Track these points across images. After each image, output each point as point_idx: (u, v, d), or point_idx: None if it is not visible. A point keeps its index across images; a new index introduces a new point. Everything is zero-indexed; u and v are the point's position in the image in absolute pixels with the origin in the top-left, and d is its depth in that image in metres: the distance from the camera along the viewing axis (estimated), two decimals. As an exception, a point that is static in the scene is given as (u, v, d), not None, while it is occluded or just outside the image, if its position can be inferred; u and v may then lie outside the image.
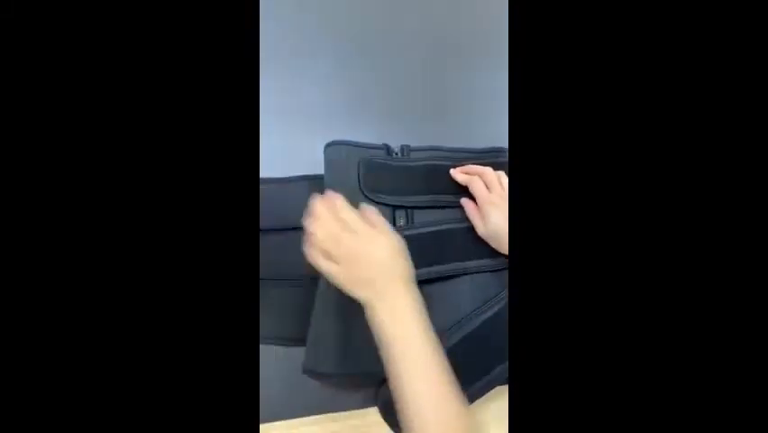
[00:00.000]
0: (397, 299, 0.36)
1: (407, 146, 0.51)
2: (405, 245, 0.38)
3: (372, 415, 0.41)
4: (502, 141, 0.52)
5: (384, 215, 0.40)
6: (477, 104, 0.58)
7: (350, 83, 0.57)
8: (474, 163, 0.49)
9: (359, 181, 0.47)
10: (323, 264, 0.37)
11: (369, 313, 0.36)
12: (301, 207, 0.44)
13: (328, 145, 0.50)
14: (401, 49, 0.59)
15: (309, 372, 0.41)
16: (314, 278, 0.44)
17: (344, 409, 0.42)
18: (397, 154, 0.51)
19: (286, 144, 0.49)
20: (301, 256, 0.41)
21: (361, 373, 0.41)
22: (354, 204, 0.41)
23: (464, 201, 0.46)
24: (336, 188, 0.46)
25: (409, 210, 0.48)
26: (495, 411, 0.41)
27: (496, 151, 0.52)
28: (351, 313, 0.41)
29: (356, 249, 0.37)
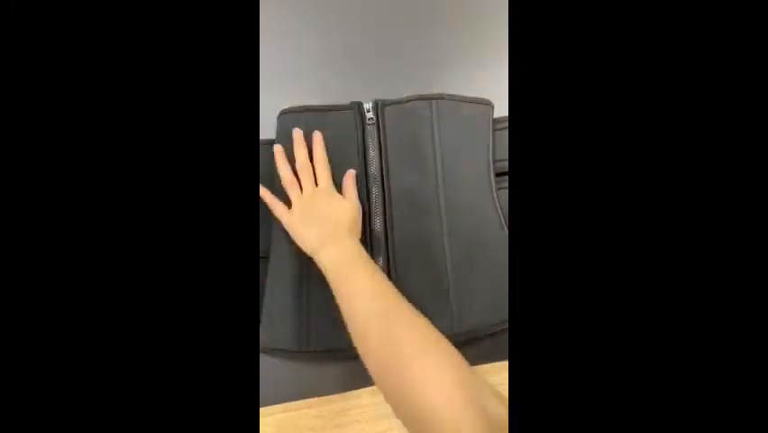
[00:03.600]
0: (344, 242, 0.36)
1: (381, 101, 0.45)
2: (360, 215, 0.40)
3: (352, 399, 0.38)
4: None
5: None
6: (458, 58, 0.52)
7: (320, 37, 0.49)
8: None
9: None
10: (277, 206, 0.40)
11: (318, 259, 0.36)
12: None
13: (282, 113, 0.44)
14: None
15: (266, 349, 0.38)
16: (264, 257, 0.41)
17: (320, 394, 0.39)
18: (369, 112, 0.45)
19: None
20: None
21: (325, 349, 0.38)
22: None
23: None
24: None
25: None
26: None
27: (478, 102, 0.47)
28: (307, 286, 0.39)
29: (317, 202, 0.39)
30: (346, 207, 0.39)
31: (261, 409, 0.37)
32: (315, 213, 0.39)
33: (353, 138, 0.43)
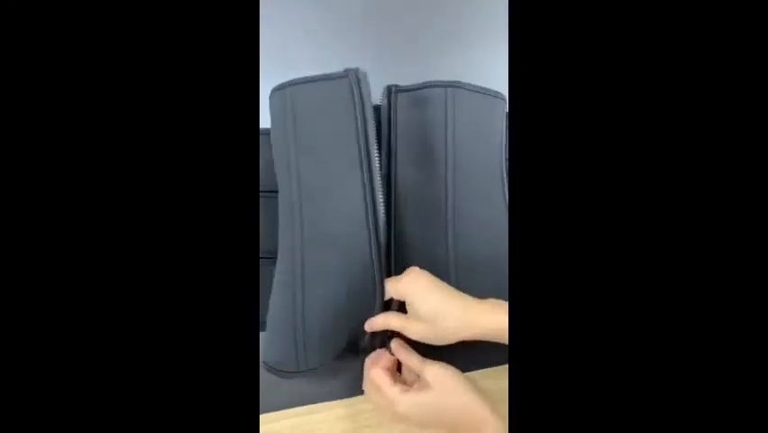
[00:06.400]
0: None
1: (395, 86, 0.41)
2: None
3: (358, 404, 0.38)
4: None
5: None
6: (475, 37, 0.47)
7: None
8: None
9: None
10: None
11: None
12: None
13: (275, 90, 0.38)
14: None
15: (270, 368, 0.35)
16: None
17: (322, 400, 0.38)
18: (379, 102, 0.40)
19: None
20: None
21: (323, 364, 0.35)
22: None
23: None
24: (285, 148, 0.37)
25: None
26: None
27: (493, 95, 0.43)
28: (302, 295, 0.35)
29: None
30: None
31: (262, 417, 0.36)
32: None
33: (351, 117, 0.35)
